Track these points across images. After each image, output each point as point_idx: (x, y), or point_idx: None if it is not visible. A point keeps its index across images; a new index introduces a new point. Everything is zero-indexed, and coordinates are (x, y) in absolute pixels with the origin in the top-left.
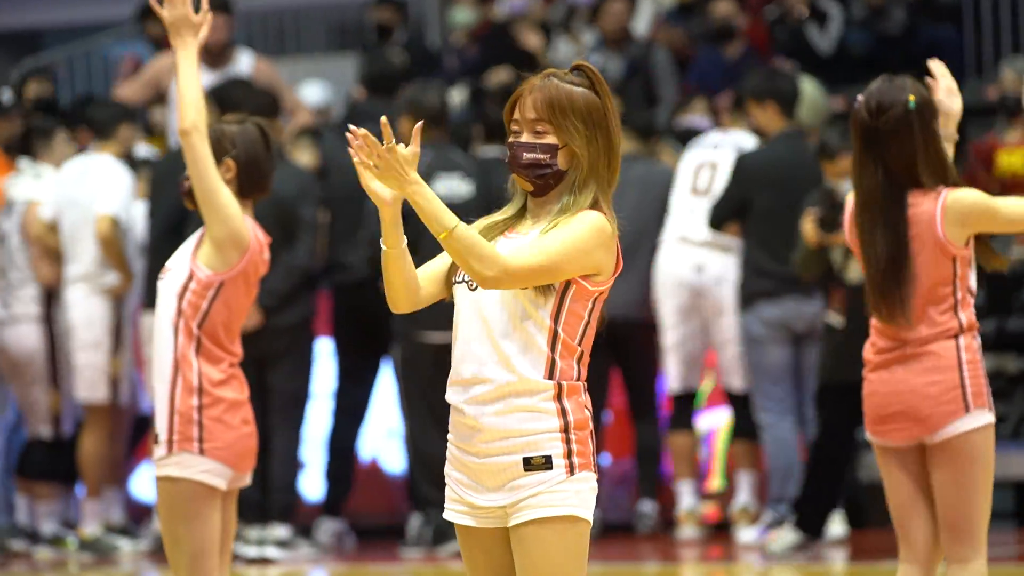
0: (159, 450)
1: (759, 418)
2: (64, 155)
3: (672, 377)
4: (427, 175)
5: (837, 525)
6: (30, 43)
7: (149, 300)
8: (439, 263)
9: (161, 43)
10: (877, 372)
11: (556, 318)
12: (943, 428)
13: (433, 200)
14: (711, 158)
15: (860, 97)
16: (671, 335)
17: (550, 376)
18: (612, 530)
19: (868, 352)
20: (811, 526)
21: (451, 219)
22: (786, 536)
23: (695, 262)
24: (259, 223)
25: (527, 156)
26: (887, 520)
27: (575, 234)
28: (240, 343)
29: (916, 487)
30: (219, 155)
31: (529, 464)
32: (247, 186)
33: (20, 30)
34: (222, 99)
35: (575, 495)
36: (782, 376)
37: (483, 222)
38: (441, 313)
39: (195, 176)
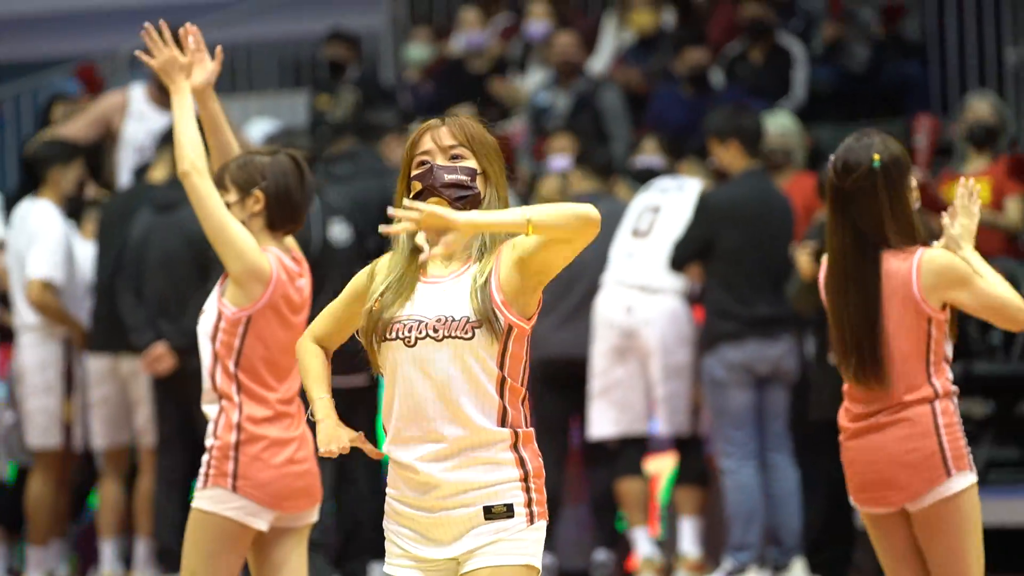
0: (198, 481)
1: (720, 463)
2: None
3: (596, 423)
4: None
5: (799, 573)
6: None
7: (98, 343)
8: (341, 317)
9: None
10: (854, 440)
11: (502, 363)
12: (926, 495)
13: (491, 214)
14: (655, 201)
15: (832, 156)
16: (597, 380)
17: (503, 424)
18: None
19: (843, 419)
20: (834, 570)
21: (519, 212)
22: None
23: (626, 304)
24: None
25: (449, 177)
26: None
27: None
28: (293, 377)
29: (906, 551)
30: (248, 186)
31: (490, 512)
32: (278, 218)
33: None
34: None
35: (533, 544)
36: (745, 420)
37: (385, 269)
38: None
39: (202, 216)
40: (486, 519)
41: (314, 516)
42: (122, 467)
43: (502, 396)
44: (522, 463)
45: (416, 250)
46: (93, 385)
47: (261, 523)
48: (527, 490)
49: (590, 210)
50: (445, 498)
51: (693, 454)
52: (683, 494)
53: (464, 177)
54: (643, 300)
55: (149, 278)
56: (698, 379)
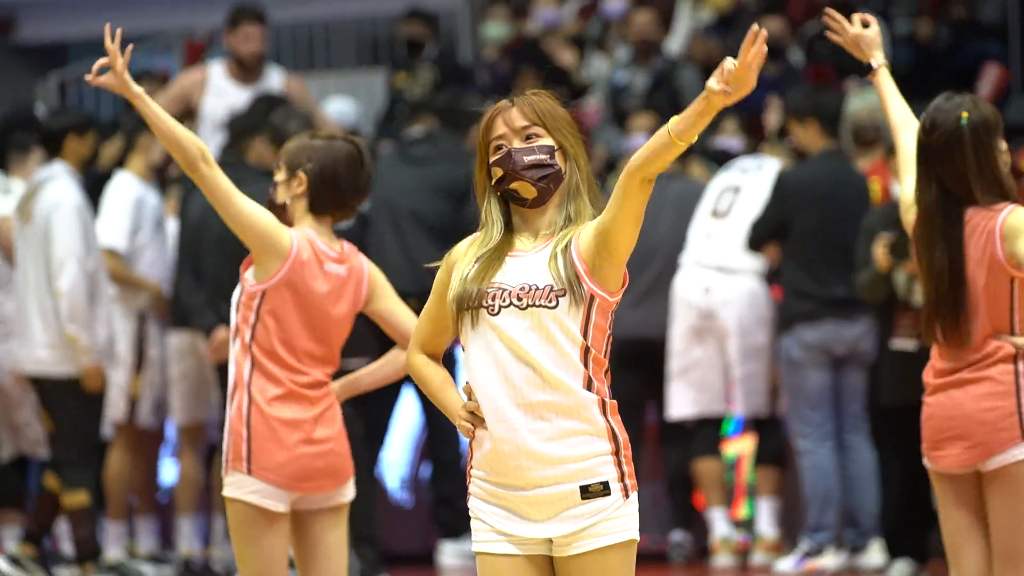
0: (223, 467)
1: (796, 444)
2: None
3: (676, 403)
4: None
5: (876, 554)
6: (55, 56)
7: (177, 319)
8: (436, 316)
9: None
10: (935, 396)
11: (585, 332)
12: (999, 455)
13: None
14: (735, 182)
15: (922, 116)
16: (676, 361)
17: (589, 391)
18: (644, 559)
19: (927, 375)
20: (914, 554)
21: (663, 128)
22: (902, 568)
23: (704, 284)
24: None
25: (528, 158)
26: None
27: None
28: (317, 363)
29: (971, 516)
30: (294, 167)
31: (586, 492)
32: (319, 202)
33: (45, 43)
34: (251, 117)
35: (631, 518)
36: (821, 401)
37: (469, 249)
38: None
39: (216, 204)
40: (583, 499)
41: (345, 496)
42: (200, 443)
43: (586, 365)
44: (613, 434)
45: (507, 231)
46: (173, 361)
47: (280, 505)
48: (619, 464)
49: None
50: (537, 472)
51: (771, 435)
52: (761, 475)
53: (543, 156)
54: (721, 281)
55: (207, 259)
56: (776, 360)
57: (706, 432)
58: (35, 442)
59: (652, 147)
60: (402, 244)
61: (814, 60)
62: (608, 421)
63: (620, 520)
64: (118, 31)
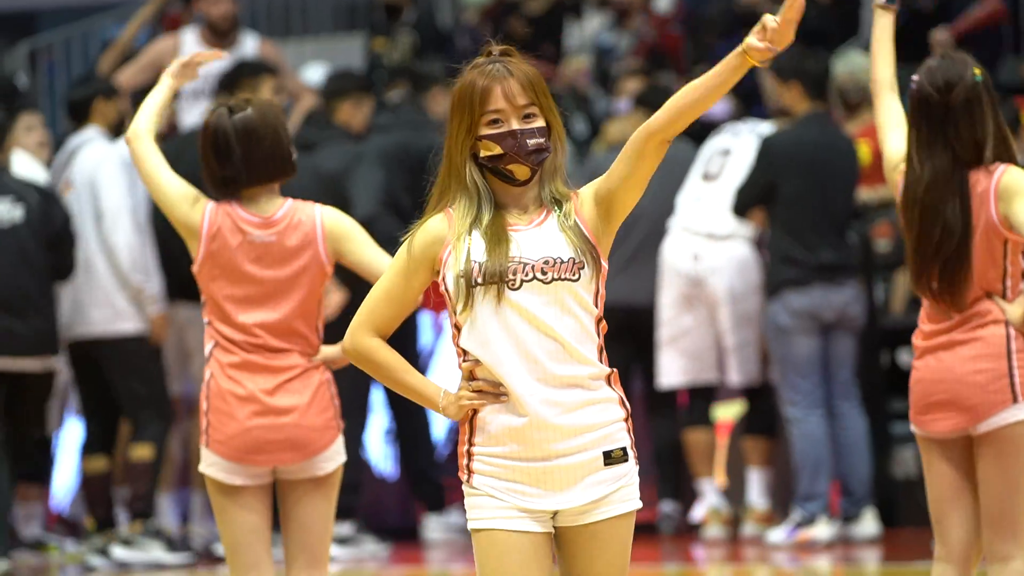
0: None
1: (786, 412)
2: (26, 142)
3: (666, 372)
4: None
5: (870, 523)
6: (25, 25)
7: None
8: (399, 296)
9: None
10: (923, 359)
11: (596, 302)
12: (989, 418)
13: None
14: (725, 144)
15: (915, 77)
16: (665, 329)
17: (602, 361)
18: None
19: (916, 338)
20: None
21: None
22: None
23: (693, 251)
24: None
25: (532, 142)
26: (921, 519)
27: None
28: (276, 332)
29: (958, 481)
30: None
31: (609, 457)
32: (217, 174)
33: (14, 12)
34: (339, 80)
35: (639, 487)
36: (810, 368)
37: (458, 228)
38: None
39: (144, 179)
40: (605, 464)
41: (322, 468)
42: (177, 419)
43: (599, 335)
44: (623, 402)
45: (492, 207)
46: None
47: (235, 479)
48: (629, 431)
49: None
50: (559, 443)
51: (761, 404)
52: (751, 445)
53: (542, 140)
54: (710, 247)
55: None
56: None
57: (696, 402)
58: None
59: (688, 98)
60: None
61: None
62: (615, 390)
63: (633, 488)
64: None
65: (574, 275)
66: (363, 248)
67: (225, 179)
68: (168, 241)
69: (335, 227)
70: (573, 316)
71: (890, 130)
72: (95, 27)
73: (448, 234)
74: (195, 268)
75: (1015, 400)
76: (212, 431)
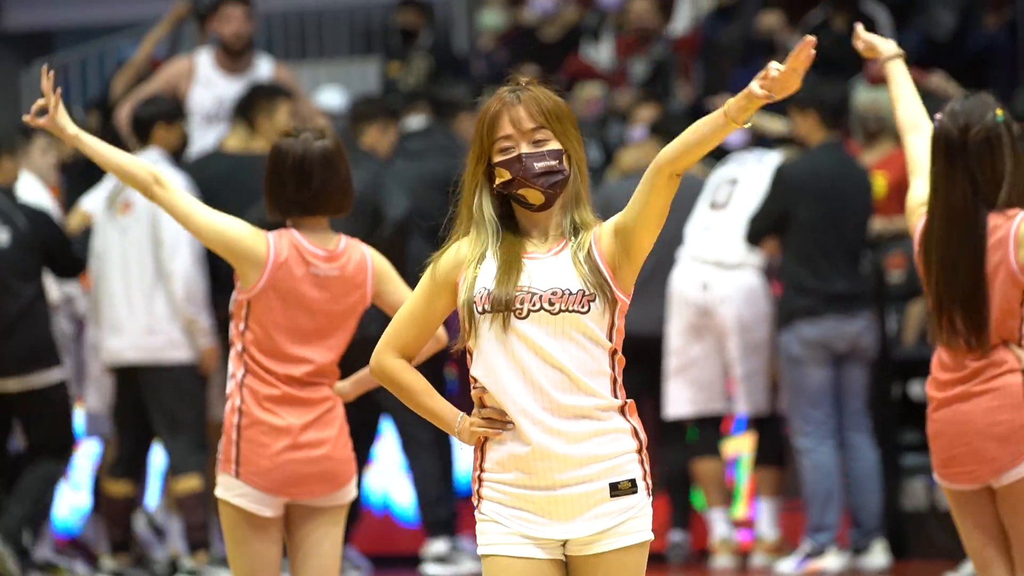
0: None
1: (797, 442)
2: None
3: (674, 401)
4: None
5: (879, 555)
6: (41, 44)
7: None
8: (422, 319)
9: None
10: (941, 411)
11: (610, 336)
12: (1011, 470)
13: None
14: (733, 174)
15: (939, 116)
16: (674, 359)
17: (615, 394)
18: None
19: (930, 388)
20: None
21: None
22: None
23: (702, 280)
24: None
25: (539, 165)
26: (931, 551)
27: None
28: (315, 365)
29: (989, 531)
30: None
31: (616, 489)
32: (277, 206)
33: (31, 31)
34: (368, 103)
35: (650, 518)
36: (822, 399)
37: (471, 253)
38: None
39: (179, 223)
40: (612, 496)
41: (342, 499)
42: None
43: (613, 368)
44: (636, 433)
45: (512, 230)
46: None
47: (266, 510)
48: (642, 462)
49: None
50: (564, 472)
51: (771, 434)
52: (761, 475)
53: (553, 162)
54: (719, 276)
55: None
56: (776, 356)
57: (706, 431)
58: None
59: (693, 137)
60: None
61: (817, 50)
62: (631, 422)
63: (643, 519)
64: (51, 73)
65: (583, 307)
66: (402, 291)
67: (298, 204)
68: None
69: (382, 267)
70: (581, 348)
71: (917, 175)
72: (111, 46)
73: (466, 260)
74: (245, 296)
75: None
76: (244, 462)
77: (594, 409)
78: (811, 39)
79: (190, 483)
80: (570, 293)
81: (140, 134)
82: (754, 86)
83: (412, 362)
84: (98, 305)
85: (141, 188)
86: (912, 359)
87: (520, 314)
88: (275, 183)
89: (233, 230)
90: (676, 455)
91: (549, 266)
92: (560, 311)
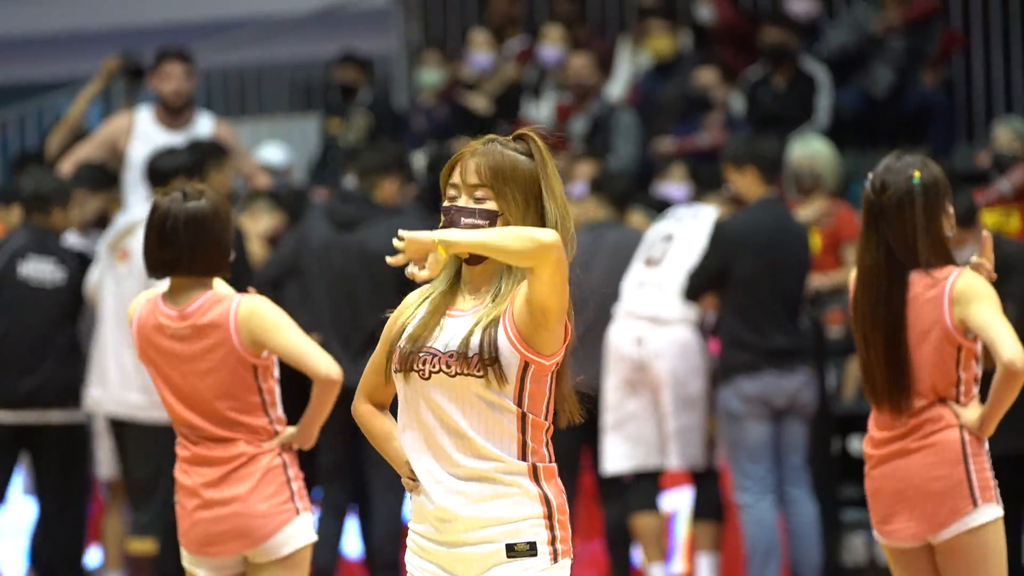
0: None
1: (737, 498)
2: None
3: (611, 457)
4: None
5: None
6: None
7: None
8: (383, 366)
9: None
10: (879, 468)
11: (519, 400)
12: (950, 526)
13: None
14: (669, 230)
15: (869, 175)
16: (610, 414)
17: (523, 458)
18: None
19: (867, 446)
20: None
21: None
22: None
23: (636, 335)
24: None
25: (466, 220)
26: None
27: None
28: (217, 423)
29: None
30: None
31: (512, 550)
32: (151, 266)
33: None
34: (381, 154)
35: None
36: (761, 454)
37: (418, 300)
38: None
39: None
40: (508, 557)
41: (277, 552)
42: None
43: (523, 432)
44: (545, 499)
45: (455, 284)
46: (99, 414)
47: (198, 571)
48: (551, 527)
49: (542, 235)
50: (465, 532)
51: (709, 488)
52: (700, 529)
53: (482, 222)
54: (653, 332)
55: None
56: (713, 411)
57: (643, 486)
58: None
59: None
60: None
61: (757, 107)
62: (541, 488)
63: None
64: None
65: (479, 372)
66: (284, 336)
67: (161, 263)
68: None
69: (252, 317)
70: (481, 411)
71: None
72: (49, 104)
73: (404, 311)
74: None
75: (975, 504)
76: (179, 525)
77: (494, 472)
78: None
79: (145, 545)
80: (465, 357)
81: (157, 180)
82: None
83: (384, 407)
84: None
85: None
86: (851, 414)
87: (423, 375)
88: (146, 241)
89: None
90: (615, 511)
91: (462, 325)
92: (456, 374)
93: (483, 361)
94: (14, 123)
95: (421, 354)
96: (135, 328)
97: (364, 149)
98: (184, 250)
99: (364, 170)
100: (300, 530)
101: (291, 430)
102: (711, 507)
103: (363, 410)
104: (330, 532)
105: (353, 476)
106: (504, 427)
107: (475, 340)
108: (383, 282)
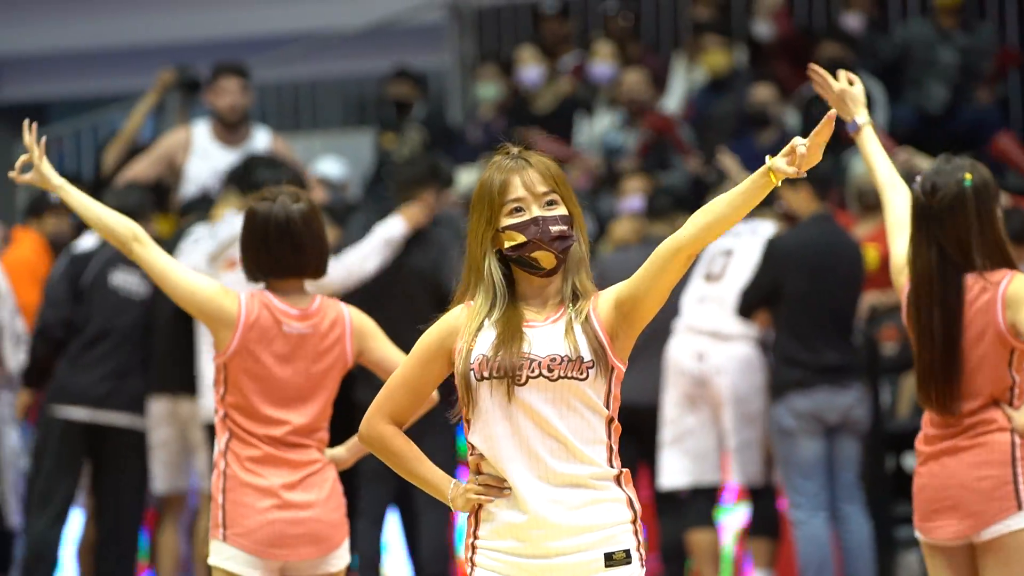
0: None
1: (790, 514)
2: None
3: (668, 472)
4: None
5: None
6: (35, 116)
7: (158, 385)
8: (416, 385)
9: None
10: (927, 465)
11: (608, 403)
12: (993, 525)
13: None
14: (727, 245)
15: (918, 178)
16: (669, 429)
17: (611, 463)
18: None
19: (919, 443)
20: None
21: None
22: None
23: (697, 350)
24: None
25: (555, 228)
26: None
27: None
28: (297, 425)
29: None
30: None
31: (611, 559)
32: (252, 267)
33: (25, 103)
34: (244, 178)
35: None
36: (814, 470)
37: (473, 322)
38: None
39: (154, 281)
40: (607, 566)
41: (334, 564)
42: (181, 513)
43: (609, 436)
44: (631, 503)
45: (512, 296)
46: (153, 427)
47: (254, 573)
48: (636, 532)
49: None
50: (560, 541)
51: (766, 504)
52: (756, 545)
53: (565, 227)
54: (715, 347)
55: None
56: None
57: (700, 502)
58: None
59: (719, 213)
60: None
61: (811, 123)
62: (626, 492)
63: None
64: (34, 126)
65: (581, 374)
66: (385, 348)
67: (281, 266)
68: (173, 335)
69: (363, 324)
70: (578, 415)
71: (896, 235)
72: (104, 118)
73: (463, 328)
74: (221, 358)
75: (1020, 507)
76: (230, 524)
77: (589, 478)
78: (834, 113)
79: None
80: (568, 360)
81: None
82: (780, 163)
83: (403, 427)
84: None
85: (120, 244)
86: (906, 431)
87: (520, 380)
88: (256, 246)
89: (205, 290)
90: (671, 526)
91: (547, 334)
92: (559, 377)
93: (584, 364)
94: (70, 138)
95: (520, 361)
96: (242, 323)
97: (401, 163)
98: (309, 252)
99: (401, 183)
100: (347, 549)
101: (340, 449)
102: (768, 523)
103: (387, 430)
104: (367, 544)
105: (395, 480)
106: (596, 432)
107: (575, 343)
108: (415, 296)
